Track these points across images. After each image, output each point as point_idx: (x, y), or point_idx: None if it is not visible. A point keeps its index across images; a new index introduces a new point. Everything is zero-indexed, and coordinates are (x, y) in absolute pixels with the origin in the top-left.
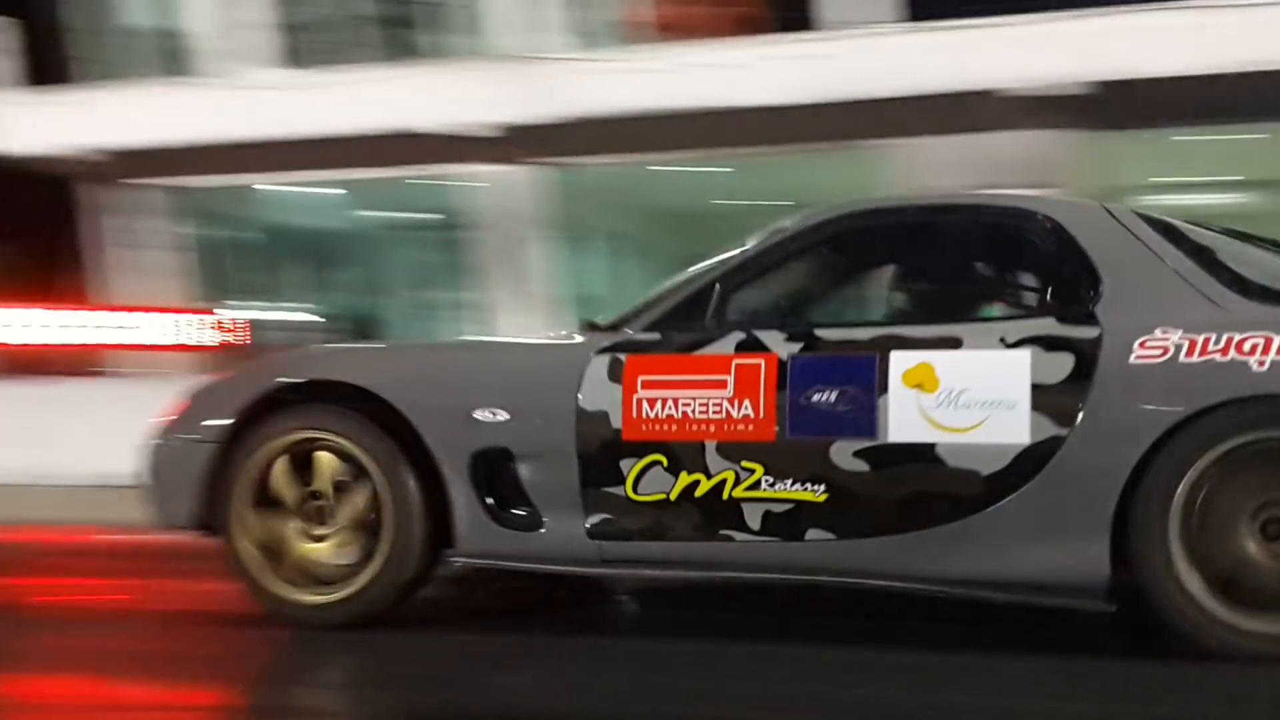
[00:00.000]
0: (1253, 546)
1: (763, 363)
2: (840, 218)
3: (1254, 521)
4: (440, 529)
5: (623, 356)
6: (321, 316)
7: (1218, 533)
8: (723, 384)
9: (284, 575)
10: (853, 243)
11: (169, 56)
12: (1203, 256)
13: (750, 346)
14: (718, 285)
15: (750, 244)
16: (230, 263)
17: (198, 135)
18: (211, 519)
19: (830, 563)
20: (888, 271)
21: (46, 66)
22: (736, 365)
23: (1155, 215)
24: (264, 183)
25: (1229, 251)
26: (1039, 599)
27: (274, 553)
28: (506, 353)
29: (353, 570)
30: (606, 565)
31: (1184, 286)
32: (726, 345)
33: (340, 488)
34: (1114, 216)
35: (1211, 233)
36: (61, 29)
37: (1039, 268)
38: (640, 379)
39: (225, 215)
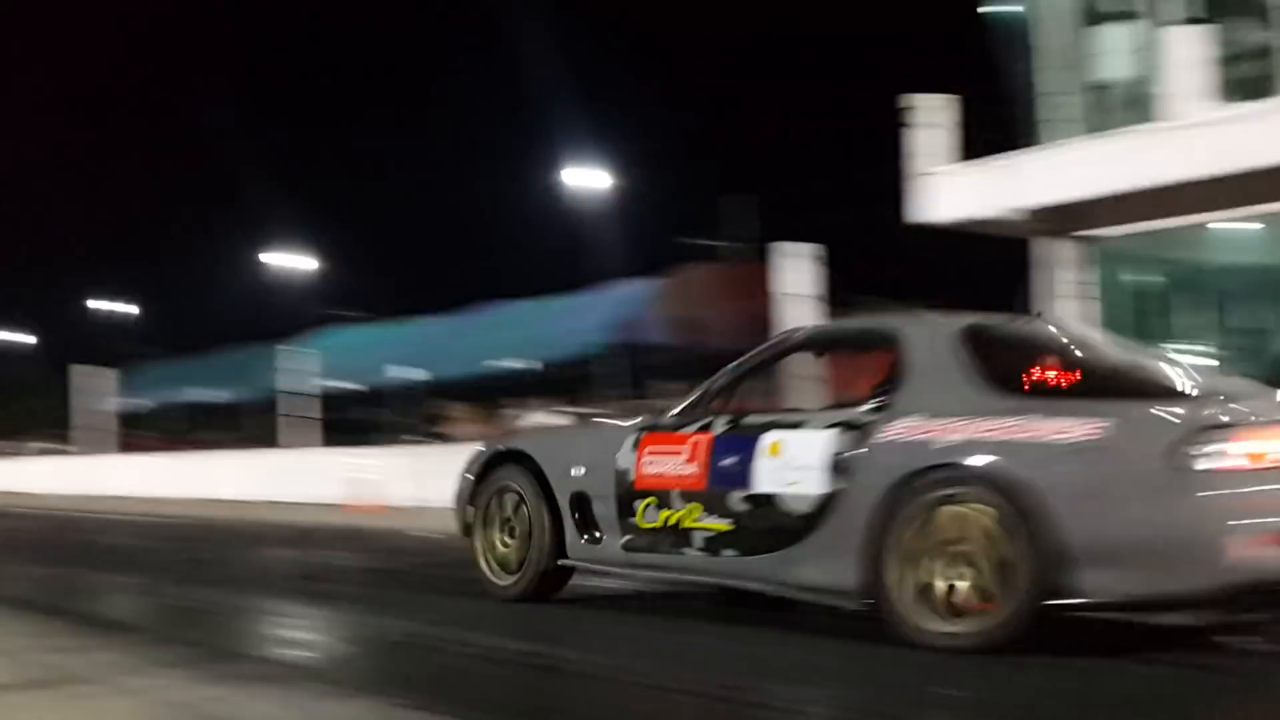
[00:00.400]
0: (937, 569)
1: (705, 440)
2: (785, 342)
3: (939, 551)
4: (560, 542)
5: (643, 435)
6: (1223, 359)
7: (914, 560)
8: (681, 453)
9: (493, 567)
10: (799, 356)
11: (1094, 110)
12: (989, 361)
13: (705, 428)
14: (709, 388)
15: (737, 362)
16: (1133, 307)
17: (1124, 184)
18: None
19: (736, 572)
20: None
21: (969, 135)
22: (692, 441)
23: (993, 327)
24: (1182, 223)
25: (1046, 358)
26: (831, 601)
27: (490, 551)
28: (591, 431)
29: (520, 565)
30: (632, 568)
31: (950, 385)
32: (694, 428)
33: (518, 513)
34: (942, 331)
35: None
36: (1003, 97)
37: (888, 371)
38: (647, 449)
39: (1133, 259)
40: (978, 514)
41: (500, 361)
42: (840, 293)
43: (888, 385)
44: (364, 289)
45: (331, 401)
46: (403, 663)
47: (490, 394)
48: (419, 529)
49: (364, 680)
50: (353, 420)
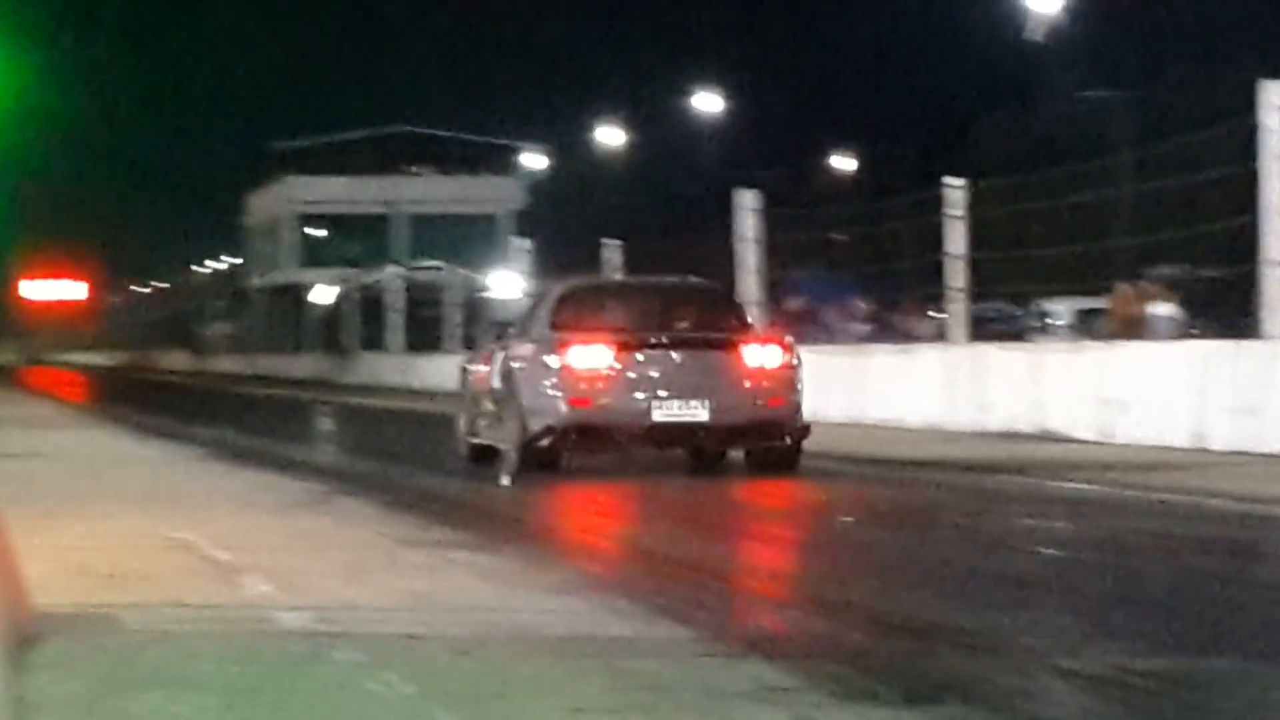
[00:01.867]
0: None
1: (491, 356)
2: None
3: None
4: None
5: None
6: None
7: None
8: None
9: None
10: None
11: None
12: (560, 313)
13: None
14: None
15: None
16: None
17: None
18: None
19: (497, 435)
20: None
21: None
22: (487, 357)
23: (581, 287)
24: None
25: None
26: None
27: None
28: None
29: None
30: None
31: (540, 325)
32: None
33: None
34: (555, 290)
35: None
36: None
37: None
38: (480, 364)
39: None
40: None
41: None
42: None
43: (529, 321)
44: None
45: None
46: None
47: None
48: None
49: None
50: None
